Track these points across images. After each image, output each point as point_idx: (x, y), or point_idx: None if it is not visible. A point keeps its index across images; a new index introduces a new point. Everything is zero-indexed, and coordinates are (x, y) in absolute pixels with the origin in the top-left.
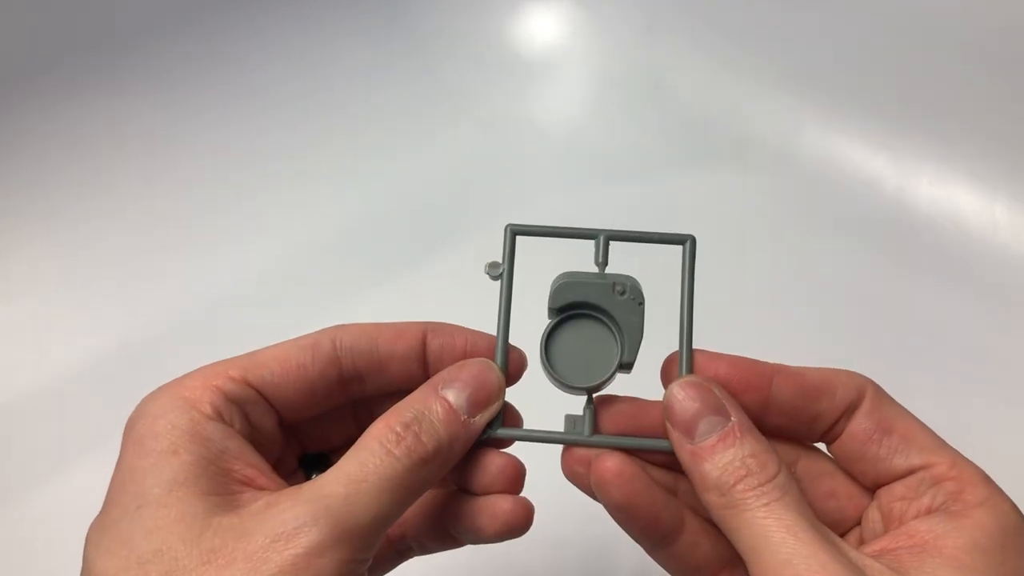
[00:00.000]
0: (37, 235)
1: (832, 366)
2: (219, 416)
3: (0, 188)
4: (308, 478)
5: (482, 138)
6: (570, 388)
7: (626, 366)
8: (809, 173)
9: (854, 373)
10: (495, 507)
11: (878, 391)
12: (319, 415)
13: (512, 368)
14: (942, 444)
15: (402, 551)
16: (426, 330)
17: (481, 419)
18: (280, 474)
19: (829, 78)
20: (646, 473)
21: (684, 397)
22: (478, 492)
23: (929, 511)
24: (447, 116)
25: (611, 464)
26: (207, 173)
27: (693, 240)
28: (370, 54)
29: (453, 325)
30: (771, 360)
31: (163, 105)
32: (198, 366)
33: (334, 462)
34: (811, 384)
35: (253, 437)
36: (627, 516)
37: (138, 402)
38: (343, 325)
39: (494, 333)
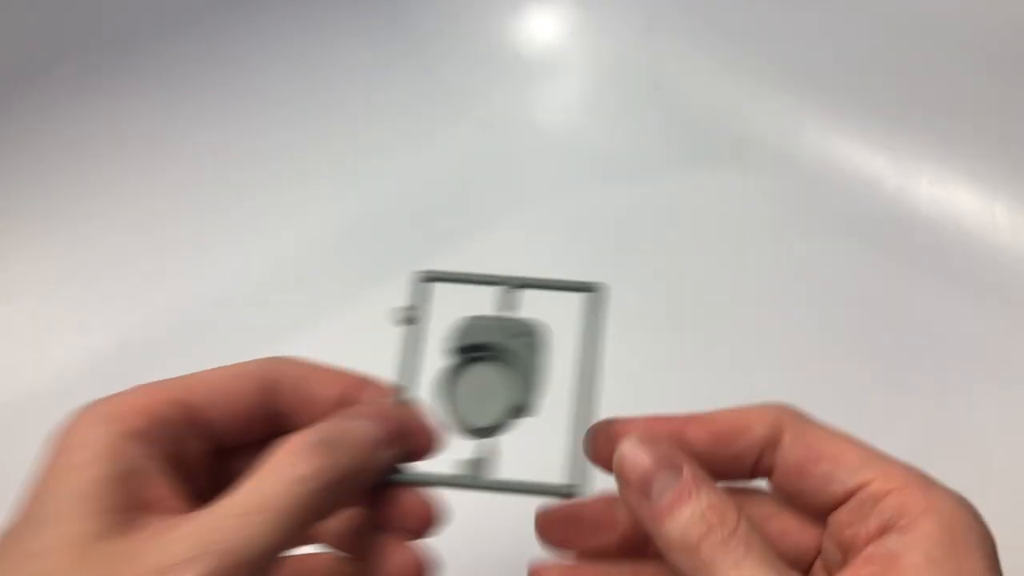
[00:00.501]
0: (37, 235)
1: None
2: (143, 435)
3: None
4: None
5: (482, 138)
6: (463, 429)
7: (522, 409)
8: (809, 173)
9: (768, 406)
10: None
11: (796, 419)
12: (250, 445)
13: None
14: (871, 456)
15: None
16: (362, 382)
17: (389, 454)
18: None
19: (829, 78)
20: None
21: (635, 455)
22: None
23: (879, 532)
24: (447, 116)
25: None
26: (207, 173)
27: (600, 289)
28: (370, 54)
29: (382, 384)
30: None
31: (163, 105)
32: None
33: None
34: (722, 427)
35: (180, 460)
36: None
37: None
38: (280, 359)
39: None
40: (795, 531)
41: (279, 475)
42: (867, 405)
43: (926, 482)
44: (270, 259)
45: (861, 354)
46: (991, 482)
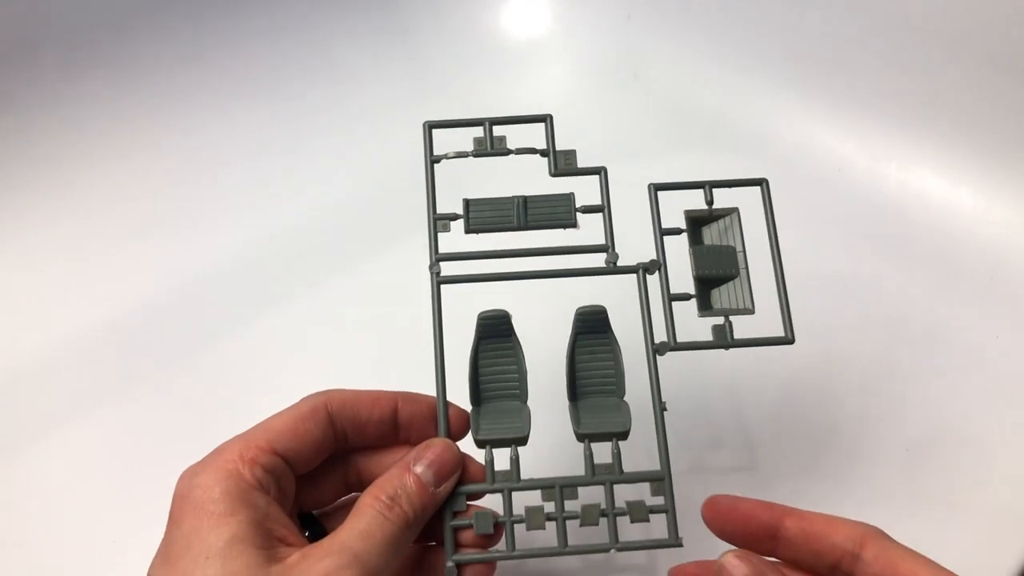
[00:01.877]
0: (30, 212)
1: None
2: (259, 485)
3: None
4: (303, 531)
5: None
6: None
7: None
8: (782, 158)
9: (858, 522)
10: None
11: (880, 535)
12: (315, 476)
13: (456, 429)
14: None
15: None
16: (398, 399)
17: (444, 489)
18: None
19: (803, 66)
20: None
21: (737, 565)
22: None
23: None
24: (432, 105)
25: None
26: (199, 153)
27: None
28: (360, 43)
29: (419, 394)
30: None
31: (153, 90)
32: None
33: (319, 520)
34: (814, 526)
35: (281, 500)
36: None
37: (182, 471)
38: (331, 391)
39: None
40: None
41: (370, 519)
42: (824, 384)
43: None
44: (263, 236)
45: (825, 334)
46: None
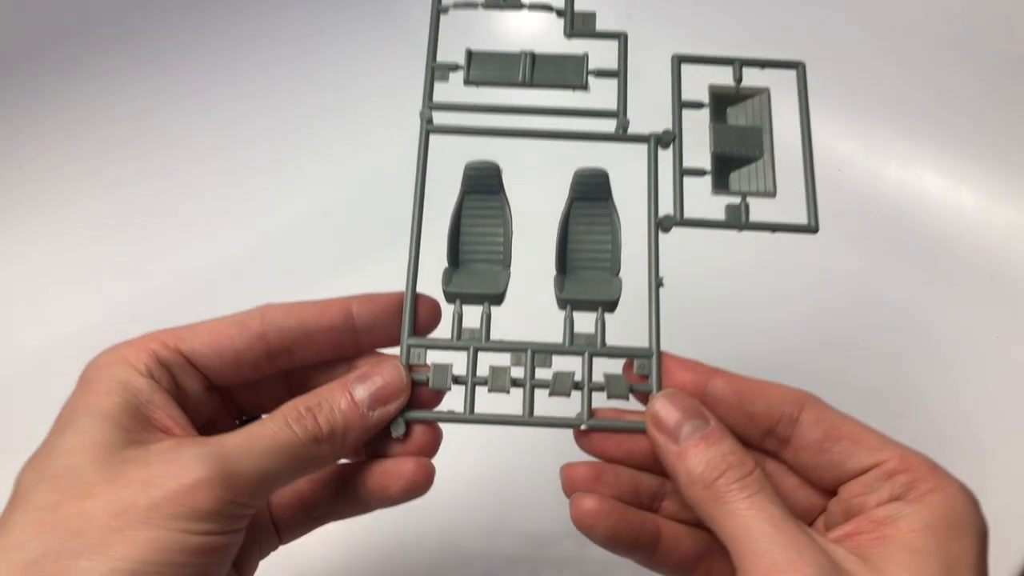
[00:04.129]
0: (30, 211)
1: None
2: (150, 374)
3: None
4: None
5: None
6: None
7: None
8: (782, 157)
9: (794, 388)
10: (399, 468)
11: (817, 403)
12: (254, 382)
13: (424, 319)
14: (888, 441)
15: (316, 516)
16: (351, 302)
17: (380, 413)
18: (214, 432)
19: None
20: (620, 505)
21: (669, 407)
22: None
23: (888, 500)
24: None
25: (589, 506)
26: (196, 151)
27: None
28: (361, 38)
29: (379, 293)
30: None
31: (153, 85)
32: None
33: None
34: (746, 387)
35: (180, 396)
36: (612, 545)
37: None
38: (272, 304)
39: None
40: (801, 491)
41: (268, 423)
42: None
43: (938, 468)
44: (264, 235)
45: (826, 332)
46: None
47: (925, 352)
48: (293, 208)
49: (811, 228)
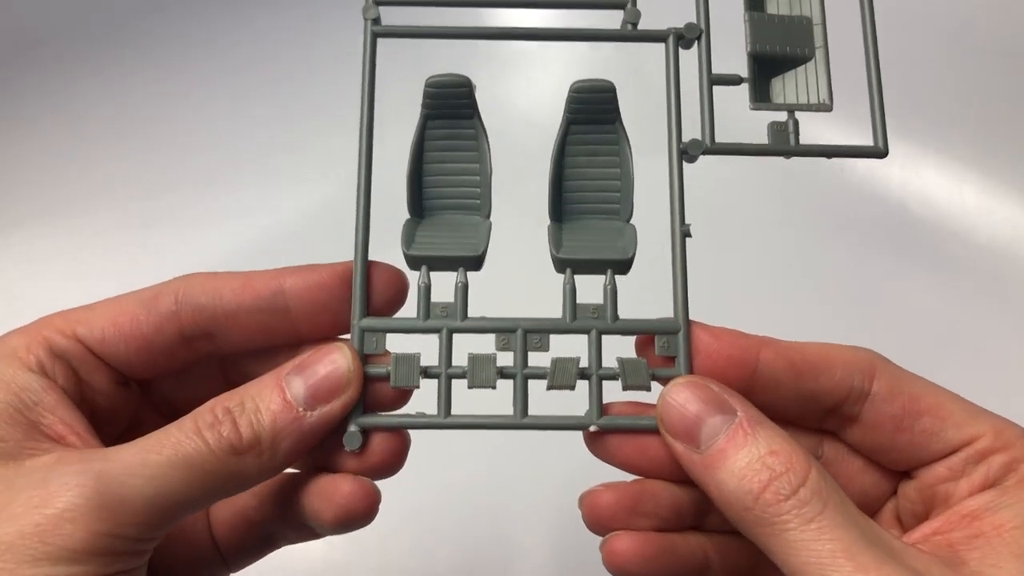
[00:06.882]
0: (28, 212)
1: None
2: (41, 369)
3: None
4: None
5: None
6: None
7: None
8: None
9: (857, 348)
10: (333, 489)
11: (888, 366)
12: (180, 374)
13: (382, 296)
14: (978, 412)
15: (265, 539)
16: (283, 277)
17: (321, 414)
18: (138, 435)
19: None
20: (663, 540)
21: (679, 401)
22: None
23: (982, 487)
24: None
25: (626, 549)
26: (194, 151)
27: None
28: (356, 45)
29: (319, 264)
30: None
31: (152, 84)
32: None
33: None
34: (804, 359)
35: (82, 393)
36: None
37: None
38: (190, 275)
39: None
40: (867, 476)
41: (170, 433)
42: None
43: None
44: (264, 235)
45: (825, 328)
46: None
47: (925, 352)
48: (296, 208)
49: (879, 151)
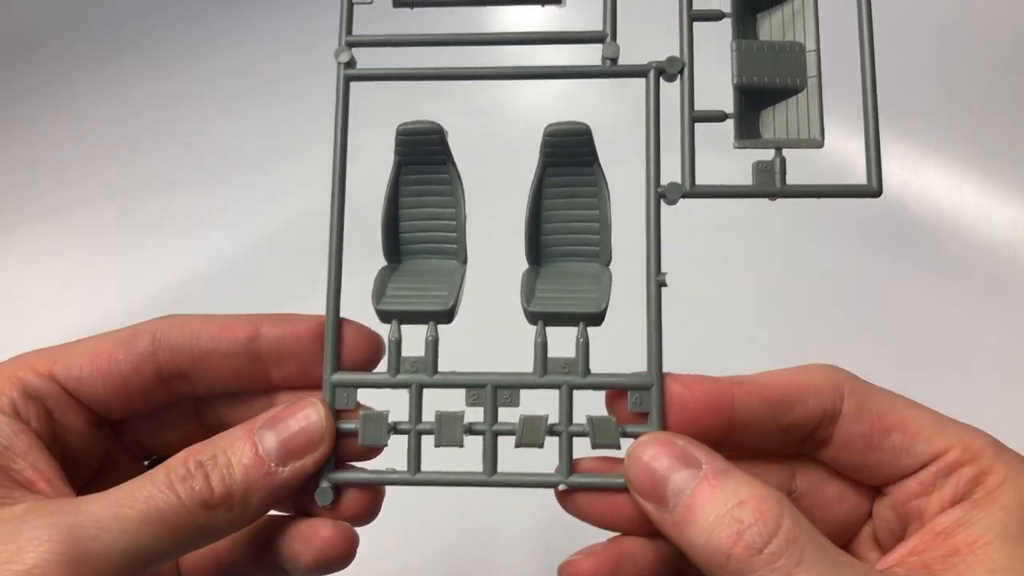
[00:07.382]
0: (29, 213)
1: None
2: (14, 411)
3: None
4: None
5: (470, 124)
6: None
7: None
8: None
9: (825, 369)
10: (313, 533)
11: (855, 385)
12: (154, 415)
13: (354, 353)
14: (946, 424)
15: None
16: (260, 323)
17: (293, 469)
18: (113, 478)
19: None
20: None
21: (644, 460)
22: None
23: (953, 502)
24: (434, 103)
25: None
26: (192, 152)
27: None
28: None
29: (297, 314)
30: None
31: (150, 85)
32: None
33: None
34: (777, 394)
35: (55, 434)
36: None
37: None
38: (167, 317)
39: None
40: (843, 503)
41: (143, 485)
42: None
43: (1003, 450)
44: (264, 235)
45: (826, 328)
46: None
47: (925, 351)
48: (296, 209)
49: (873, 191)
